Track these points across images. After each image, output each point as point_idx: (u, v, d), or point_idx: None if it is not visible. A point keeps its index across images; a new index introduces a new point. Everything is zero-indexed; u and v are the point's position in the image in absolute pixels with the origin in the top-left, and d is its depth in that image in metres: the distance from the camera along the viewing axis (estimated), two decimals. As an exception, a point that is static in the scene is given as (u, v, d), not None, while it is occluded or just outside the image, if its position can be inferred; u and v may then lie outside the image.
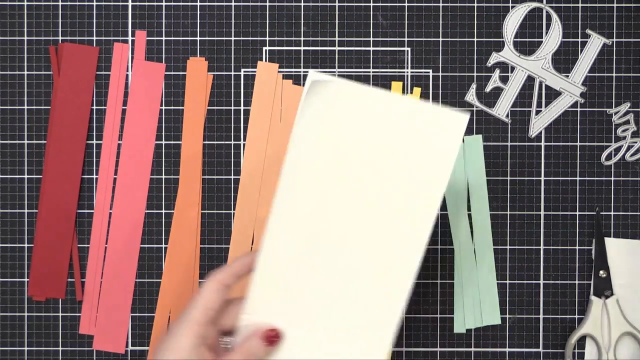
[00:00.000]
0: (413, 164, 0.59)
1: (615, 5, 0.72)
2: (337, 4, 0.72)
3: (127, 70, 0.72)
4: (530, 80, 0.73)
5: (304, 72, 0.72)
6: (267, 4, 0.72)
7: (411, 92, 0.72)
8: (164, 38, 0.72)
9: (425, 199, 0.59)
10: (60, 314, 0.72)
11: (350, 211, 0.60)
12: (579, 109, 0.73)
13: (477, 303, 0.72)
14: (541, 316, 0.72)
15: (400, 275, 0.60)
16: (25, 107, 0.72)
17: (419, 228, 0.59)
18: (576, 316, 0.72)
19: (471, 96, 0.72)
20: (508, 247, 0.72)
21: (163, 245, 0.72)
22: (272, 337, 0.60)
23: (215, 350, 0.60)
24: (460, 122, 0.58)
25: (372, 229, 0.60)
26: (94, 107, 0.72)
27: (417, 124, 0.58)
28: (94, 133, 0.72)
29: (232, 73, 0.72)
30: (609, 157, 0.72)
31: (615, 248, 0.72)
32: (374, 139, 0.59)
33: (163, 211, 0.72)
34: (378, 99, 0.59)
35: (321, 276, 0.61)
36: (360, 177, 0.59)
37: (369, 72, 0.72)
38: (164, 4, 0.72)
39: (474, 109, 0.72)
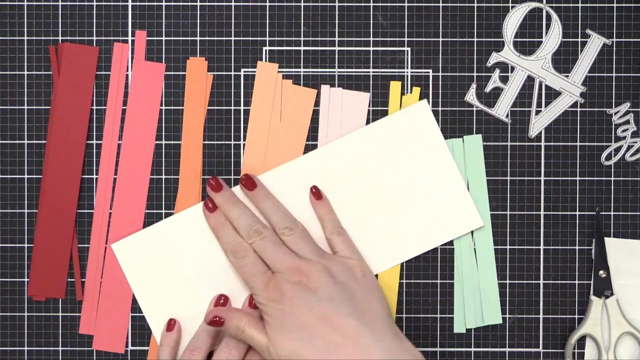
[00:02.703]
0: (417, 165, 0.72)
1: (615, 5, 0.72)
2: (337, 4, 0.72)
3: (127, 70, 0.72)
4: (530, 80, 0.73)
5: (304, 72, 0.72)
6: (267, 4, 0.72)
7: (411, 92, 0.72)
8: (164, 38, 0.72)
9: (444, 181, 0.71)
10: (60, 314, 0.72)
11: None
12: (579, 109, 0.73)
13: (477, 302, 0.72)
14: (541, 316, 0.72)
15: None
16: (25, 107, 0.72)
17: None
18: (576, 316, 0.72)
19: (471, 96, 0.72)
20: (508, 247, 0.72)
21: (163, 245, 0.72)
22: (214, 320, 0.67)
23: None
24: (424, 107, 0.71)
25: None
26: (94, 107, 0.72)
27: (397, 135, 0.71)
28: (94, 133, 0.72)
29: (232, 73, 0.72)
30: (609, 157, 0.72)
31: (615, 248, 0.72)
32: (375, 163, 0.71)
33: (163, 211, 0.72)
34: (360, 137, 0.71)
35: None
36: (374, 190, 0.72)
37: (369, 72, 0.72)
38: (164, 4, 0.72)
39: (474, 109, 0.72)
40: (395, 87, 0.72)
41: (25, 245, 0.72)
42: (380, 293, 0.67)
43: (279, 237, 0.68)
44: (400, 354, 0.62)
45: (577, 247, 0.72)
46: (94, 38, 0.72)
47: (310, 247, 0.68)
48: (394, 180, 0.71)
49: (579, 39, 0.72)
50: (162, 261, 0.70)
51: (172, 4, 0.72)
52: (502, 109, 0.73)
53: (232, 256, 0.68)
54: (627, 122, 0.72)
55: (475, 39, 0.72)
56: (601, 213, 0.72)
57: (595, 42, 0.72)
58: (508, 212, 0.72)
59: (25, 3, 0.72)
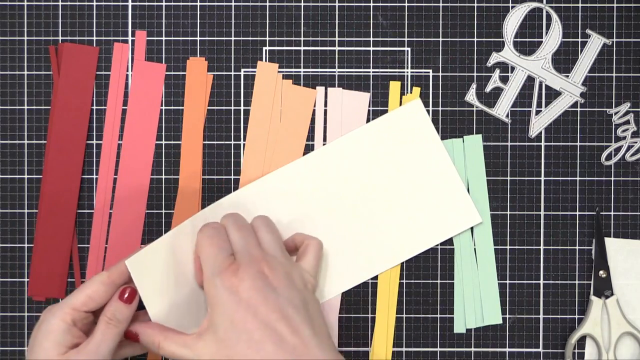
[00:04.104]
0: (413, 164, 0.72)
1: (615, 5, 0.72)
2: (337, 4, 0.72)
3: (127, 71, 0.72)
4: (530, 80, 0.73)
5: (304, 72, 0.72)
6: (267, 4, 0.72)
7: (411, 92, 0.72)
8: (164, 38, 0.72)
9: (441, 181, 0.71)
10: (60, 314, 0.72)
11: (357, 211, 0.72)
12: (579, 109, 0.73)
13: (477, 303, 0.72)
14: (541, 316, 0.72)
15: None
16: (25, 107, 0.72)
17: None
18: (576, 316, 0.72)
19: (471, 96, 0.72)
20: (508, 247, 0.72)
21: (163, 245, 0.72)
22: (128, 294, 0.63)
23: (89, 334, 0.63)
24: (417, 106, 0.71)
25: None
26: (94, 107, 0.72)
27: (392, 134, 0.71)
28: (94, 133, 0.72)
29: (232, 73, 0.72)
30: (609, 157, 0.72)
31: (615, 248, 0.72)
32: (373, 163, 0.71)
33: (163, 211, 0.72)
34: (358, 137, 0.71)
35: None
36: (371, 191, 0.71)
37: (369, 72, 0.72)
38: (164, 4, 0.72)
39: (474, 109, 0.72)
40: (395, 87, 0.72)
41: (25, 245, 0.72)
42: (324, 319, 0.64)
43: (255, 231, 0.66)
44: None
45: (577, 247, 0.72)
46: (94, 38, 0.72)
47: (279, 245, 0.66)
48: (390, 179, 0.71)
49: (579, 39, 0.72)
50: (174, 271, 0.67)
51: (172, 4, 0.72)
52: (502, 109, 0.73)
53: (206, 226, 0.64)
54: (627, 122, 0.72)
55: (475, 39, 0.72)
56: (601, 213, 0.72)
57: (595, 42, 0.72)
58: (508, 212, 0.72)
59: (25, 3, 0.72)
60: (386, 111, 0.72)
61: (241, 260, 0.62)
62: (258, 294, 0.60)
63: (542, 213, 0.72)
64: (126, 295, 0.63)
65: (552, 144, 0.72)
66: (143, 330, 0.63)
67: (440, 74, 0.72)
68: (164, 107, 0.72)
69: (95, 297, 0.63)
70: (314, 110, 0.72)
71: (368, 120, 0.72)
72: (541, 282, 0.72)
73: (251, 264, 0.61)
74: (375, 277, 0.72)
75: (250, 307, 0.59)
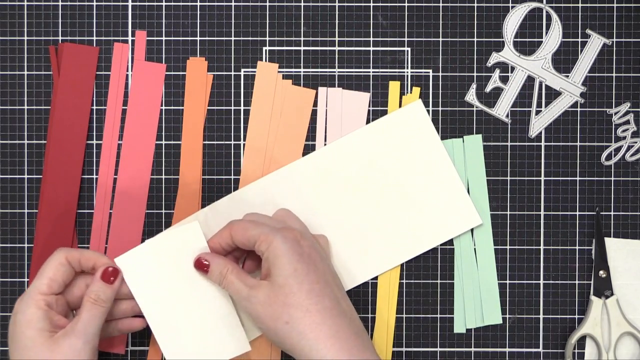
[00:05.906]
0: (414, 165, 0.72)
1: (615, 5, 0.72)
2: (337, 4, 0.72)
3: (127, 71, 0.72)
4: (530, 80, 0.73)
5: (304, 72, 0.72)
6: (267, 4, 0.72)
7: (411, 92, 0.72)
8: (164, 38, 0.72)
9: (441, 182, 0.71)
10: (60, 314, 0.72)
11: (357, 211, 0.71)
12: (579, 109, 0.73)
13: (477, 303, 0.72)
14: (541, 316, 0.72)
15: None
16: (25, 107, 0.72)
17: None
18: (576, 316, 0.72)
19: (471, 96, 0.72)
20: (508, 247, 0.72)
21: (163, 245, 0.72)
22: (109, 274, 0.64)
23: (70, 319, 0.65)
24: (418, 107, 0.71)
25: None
26: (94, 107, 0.72)
27: (393, 135, 0.71)
28: (94, 133, 0.72)
29: (232, 73, 0.72)
30: (609, 157, 0.72)
31: (615, 248, 0.72)
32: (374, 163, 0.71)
33: (163, 211, 0.72)
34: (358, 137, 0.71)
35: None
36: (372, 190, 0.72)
37: (369, 72, 0.72)
38: (164, 4, 0.72)
39: (474, 109, 0.72)
40: (394, 87, 0.72)
41: (25, 245, 0.72)
42: None
43: None
44: None
45: (577, 247, 0.72)
46: (94, 38, 0.72)
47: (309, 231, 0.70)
48: (391, 180, 0.71)
49: (579, 39, 0.72)
50: (166, 271, 0.67)
51: (172, 4, 0.72)
52: (502, 109, 0.73)
53: (238, 220, 0.66)
54: (627, 122, 0.72)
55: (475, 39, 0.72)
56: (601, 213, 0.72)
57: (595, 42, 0.72)
58: (508, 212, 0.72)
59: (25, 3, 0.72)
60: (386, 111, 0.72)
61: (296, 229, 0.65)
62: (317, 254, 0.64)
63: (542, 213, 0.72)
64: (108, 276, 0.64)
65: (552, 144, 0.72)
66: (214, 259, 0.65)
67: (440, 74, 0.72)
68: (164, 107, 0.72)
69: (57, 279, 0.63)
70: (314, 110, 0.72)
71: (368, 120, 0.72)
72: (541, 282, 0.72)
73: (305, 232, 0.66)
74: (375, 277, 0.72)
75: (312, 262, 0.62)
